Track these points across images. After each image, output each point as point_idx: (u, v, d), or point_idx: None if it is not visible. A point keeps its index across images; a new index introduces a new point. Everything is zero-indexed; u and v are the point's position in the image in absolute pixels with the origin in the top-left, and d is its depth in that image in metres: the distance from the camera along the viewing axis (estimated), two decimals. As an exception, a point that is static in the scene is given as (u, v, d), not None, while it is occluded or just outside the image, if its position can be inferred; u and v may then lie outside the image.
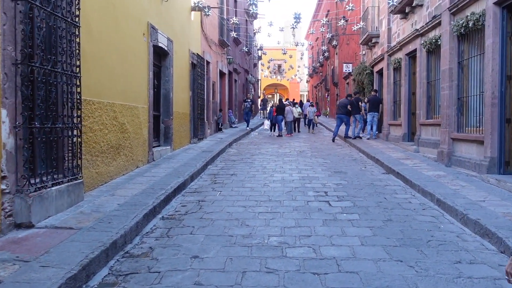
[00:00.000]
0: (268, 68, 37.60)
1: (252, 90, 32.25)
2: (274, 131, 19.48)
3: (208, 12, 13.11)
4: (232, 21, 15.34)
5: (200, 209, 6.22)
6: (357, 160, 11.27)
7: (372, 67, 17.16)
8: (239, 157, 11.76)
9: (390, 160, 10.14)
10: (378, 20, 16.46)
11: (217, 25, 18.84)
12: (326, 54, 32.02)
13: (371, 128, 15.34)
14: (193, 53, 13.97)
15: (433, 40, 10.11)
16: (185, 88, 13.28)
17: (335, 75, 29.42)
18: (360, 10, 19.61)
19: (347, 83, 24.58)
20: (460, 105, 9.08)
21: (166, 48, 10.92)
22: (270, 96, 64.64)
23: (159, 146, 11.06)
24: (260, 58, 40.43)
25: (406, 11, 12.07)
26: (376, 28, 16.64)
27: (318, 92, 44.16)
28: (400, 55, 13.33)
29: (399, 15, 13.01)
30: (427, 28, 10.57)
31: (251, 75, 30.52)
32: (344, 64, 21.07)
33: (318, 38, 40.95)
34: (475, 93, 8.53)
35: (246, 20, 28.47)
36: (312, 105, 22.46)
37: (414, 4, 11.41)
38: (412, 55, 12.47)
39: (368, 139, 15.26)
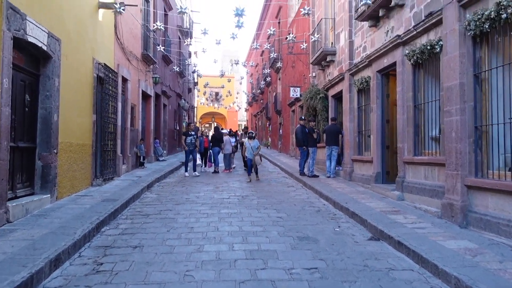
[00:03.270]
0: (204, 94, 34.32)
1: (186, 117, 28.72)
2: (207, 166, 16.01)
3: (120, 9, 9.69)
4: (156, 26, 11.93)
5: None
6: (322, 211, 8.11)
7: (327, 90, 14.41)
8: (156, 209, 8.20)
9: (373, 215, 7.06)
10: (334, 34, 13.82)
11: (140, 36, 15.38)
12: (268, 79, 29.33)
13: (330, 165, 12.38)
14: (99, 64, 10.39)
15: (427, 47, 7.33)
16: (85, 110, 9.61)
17: (278, 102, 26.69)
18: (309, 25, 17.03)
19: (293, 111, 21.82)
20: (478, 137, 6.24)
21: (45, 48, 7.31)
22: (207, 125, 61.24)
23: (31, 194, 7.28)
24: (196, 83, 37.12)
25: (380, 14, 9.36)
26: (332, 44, 13.98)
27: (258, 121, 41.43)
28: (368, 72, 10.57)
29: (367, 22, 10.31)
30: (414, 32, 7.82)
31: (185, 100, 27.06)
32: (291, 88, 18.26)
33: (257, 64, 38.51)
34: (502, 120, 5.73)
35: (179, 38, 25.22)
36: (253, 137, 13.59)
37: (392, 4, 8.69)
38: (386, 72, 9.73)
39: (328, 177, 12.27)
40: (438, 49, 7.06)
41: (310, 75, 16.98)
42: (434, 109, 7.71)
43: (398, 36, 8.40)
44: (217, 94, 51.39)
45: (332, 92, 13.89)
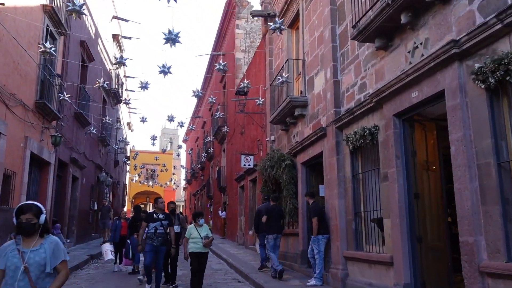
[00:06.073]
0: (135, 168, 29.55)
1: (109, 195, 23.58)
2: (122, 263, 10.89)
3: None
4: (43, 48, 7.69)
5: None
6: None
7: (294, 156, 10.54)
8: None
9: None
10: (304, 81, 10.27)
11: (35, 78, 11.05)
12: (210, 150, 25.30)
13: (315, 263, 8.07)
14: None
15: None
16: None
17: (222, 177, 22.51)
18: (266, 77, 13.53)
19: (242, 187, 17.66)
20: None
21: None
22: (142, 205, 55.13)
23: None
24: (127, 158, 32.33)
25: (402, 21, 5.79)
26: (302, 93, 10.37)
27: (197, 201, 36.64)
28: (374, 120, 6.83)
29: (371, 44, 6.76)
30: (501, 26, 4.21)
31: (107, 173, 22.15)
32: (243, 157, 14.28)
33: (198, 137, 34.67)
34: None
35: (104, 99, 20.99)
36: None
37: (431, -2, 5.17)
38: (410, 115, 6.02)
39: (312, 285, 7.83)
40: None
41: (267, 139, 13.16)
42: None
43: (454, 41, 4.74)
44: (153, 171, 46.52)
45: (302, 157, 10.01)
